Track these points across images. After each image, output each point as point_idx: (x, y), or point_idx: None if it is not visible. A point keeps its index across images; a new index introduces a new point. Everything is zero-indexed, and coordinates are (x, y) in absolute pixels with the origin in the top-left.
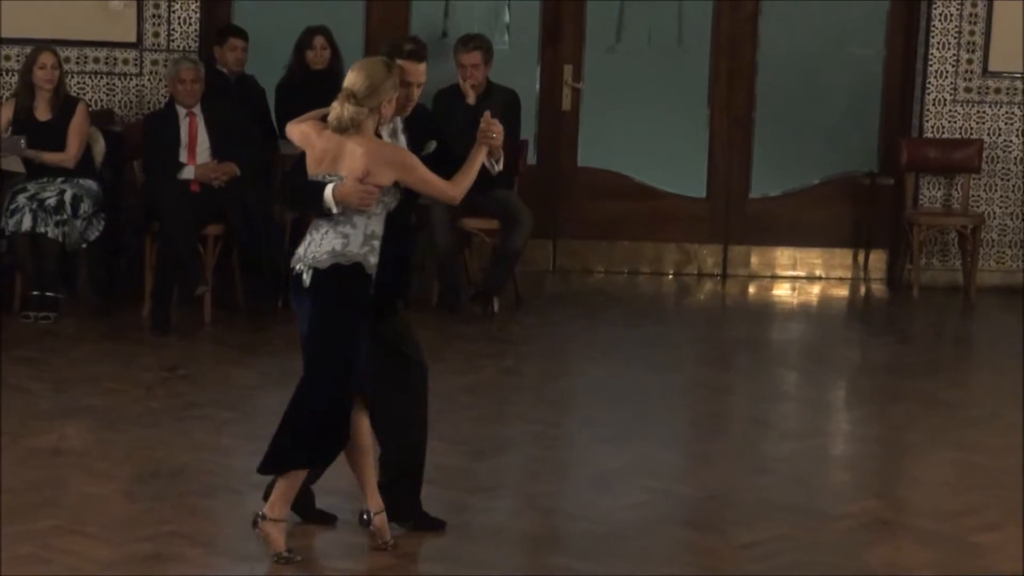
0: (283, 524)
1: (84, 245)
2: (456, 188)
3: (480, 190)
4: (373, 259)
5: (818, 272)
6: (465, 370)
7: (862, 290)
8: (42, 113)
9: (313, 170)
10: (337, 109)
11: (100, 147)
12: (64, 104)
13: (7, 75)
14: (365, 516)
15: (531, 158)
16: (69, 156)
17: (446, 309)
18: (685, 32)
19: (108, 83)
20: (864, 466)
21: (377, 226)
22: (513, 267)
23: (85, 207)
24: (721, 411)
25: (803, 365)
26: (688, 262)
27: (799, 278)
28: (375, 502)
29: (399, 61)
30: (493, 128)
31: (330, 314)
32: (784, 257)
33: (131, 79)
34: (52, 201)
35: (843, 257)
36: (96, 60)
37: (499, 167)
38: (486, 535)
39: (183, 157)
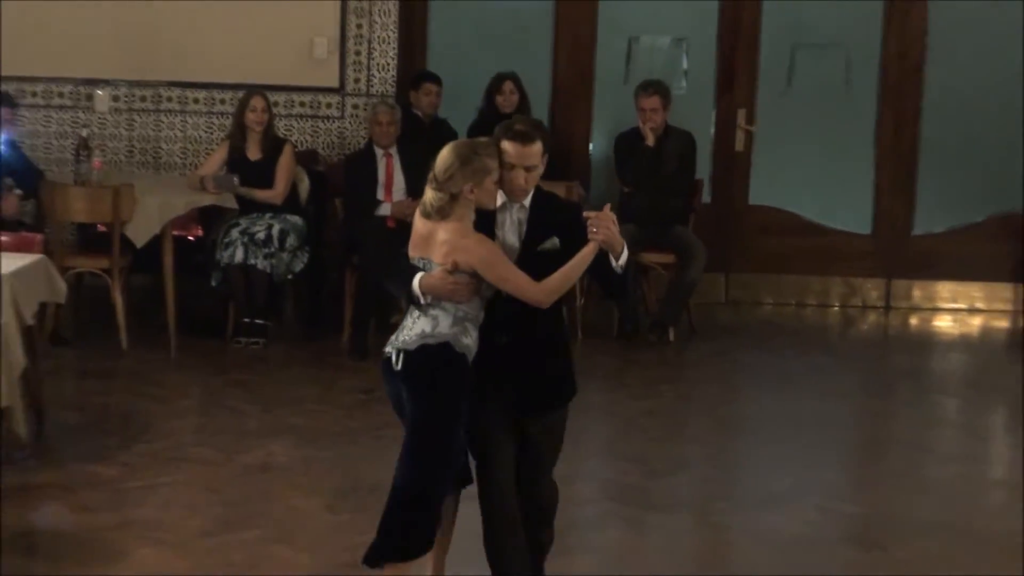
0: None
1: (290, 276)
2: (542, 291)
3: (658, 227)
4: (465, 339)
5: (979, 305)
6: (643, 395)
7: (1022, 323)
8: (253, 153)
9: (412, 251)
10: (426, 193)
11: (305, 185)
12: (273, 145)
13: (221, 117)
14: None
15: (705, 196)
16: (277, 193)
17: (625, 338)
18: (854, 77)
19: (313, 125)
20: (1021, 488)
21: (472, 309)
22: (688, 299)
23: (291, 241)
24: (884, 436)
25: (963, 393)
26: (853, 295)
27: (960, 311)
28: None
29: (503, 142)
30: (599, 221)
31: (424, 397)
32: (945, 291)
33: (333, 122)
34: (261, 235)
35: (1004, 291)
36: (302, 104)
37: (622, 262)
38: (662, 550)
39: (380, 195)
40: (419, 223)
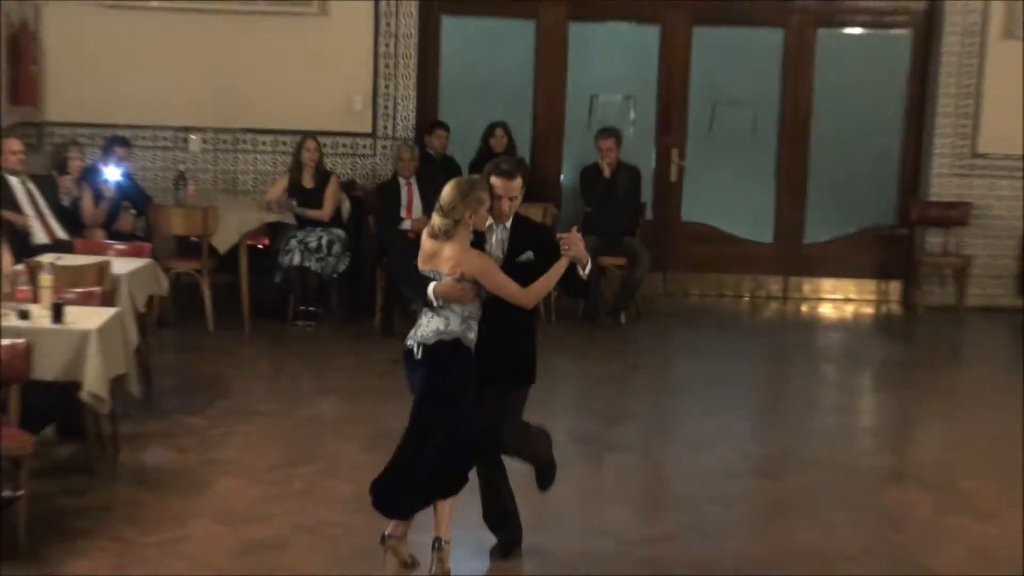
0: (404, 538)
1: (335, 275)
2: (527, 295)
3: (612, 237)
4: (471, 335)
5: (851, 296)
6: (601, 363)
7: (883, 309)
8: (307, 182)
9: (421, 265)
10: (432, 220)
11: (346, 206)
12: (322, 176)
13: (283, 155)
14: (436, 543)
15: (648, 214)
16: (325, 213)
17: (588, 320)
18: (759, 125)
19: (352, 161)
20: (883, 432)
21: (473, 309)
22: (635, 291)
23: (336, 248)
24: (781, 392)
25: (840, 361)
26: (759, 288)
27: (838, 300)
28: (446, 531)
29: (492, 177)
30: (569, 240)
31: (440, 379)
32: (827, 285)
33: (368, 159)
34: (313, 244)
35: (869, 286)
36: (344, 145)
37: (587, 271)
38: (617, 480)
39: (403, 213)
40: (427, 243)
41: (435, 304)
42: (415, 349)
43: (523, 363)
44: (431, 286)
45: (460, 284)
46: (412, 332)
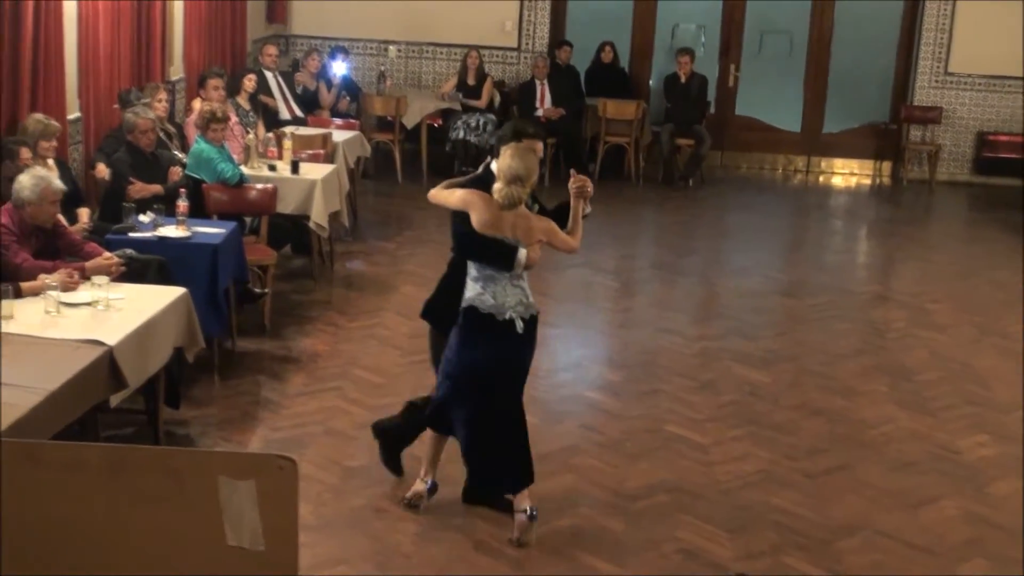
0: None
1: (488, 146)
2: (578, 242)
3: (686, 125)
4: None
5: (855, 171)
6: (674, 214)
7: (877, 181)
8: (470, 80)
9: (484, 230)
10: (506, 191)
11: (497, 98)
12: (481, 76)
13: (454, 62)
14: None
15: (712, 110)
16: (482, 102)
17: (666, 183)
18: (794, 47)
19: (502, 67)
20: (873, 268)
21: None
22: (701, 163)
23: (489, 127)
24: (802, 237)
25: (845, 217)
26: (789, 164)
27: (845, 174)
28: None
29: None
30: (581, 182)
31: (532, 350)
32: (838, 164)
33: (513, 65)
34: (473, 123)
35: (868, 165)
36: (497, 55)
37: (588, 209)
38: (682, 295)
39: (537, 104)
40: (491, 209)
41: (519, 271)
42: (516, 323)
43: None
44: (523, 252)
45: (539, 249)
46: (491, 304)
